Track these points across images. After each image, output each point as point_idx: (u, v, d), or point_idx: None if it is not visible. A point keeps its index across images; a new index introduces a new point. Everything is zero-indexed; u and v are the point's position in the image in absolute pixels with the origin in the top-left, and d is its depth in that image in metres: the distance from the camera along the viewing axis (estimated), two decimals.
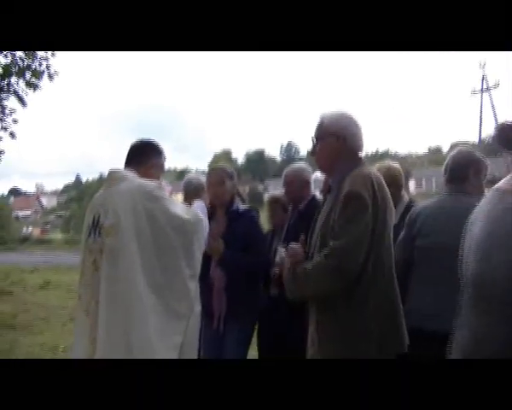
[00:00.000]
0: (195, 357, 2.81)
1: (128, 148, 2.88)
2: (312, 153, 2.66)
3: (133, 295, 2.47)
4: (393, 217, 2.55)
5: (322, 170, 2.71)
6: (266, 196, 4.31)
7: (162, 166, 2.91)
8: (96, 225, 2.60)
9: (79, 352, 2.60)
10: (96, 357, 2.45)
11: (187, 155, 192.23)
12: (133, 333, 2.45)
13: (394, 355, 2.40)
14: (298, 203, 3.86)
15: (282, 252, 2.59)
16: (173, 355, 2.55)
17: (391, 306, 2.44)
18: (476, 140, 33.76)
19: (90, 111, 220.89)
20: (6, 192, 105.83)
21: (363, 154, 2.60)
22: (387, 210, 2.44)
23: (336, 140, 2.54)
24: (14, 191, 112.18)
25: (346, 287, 2.31)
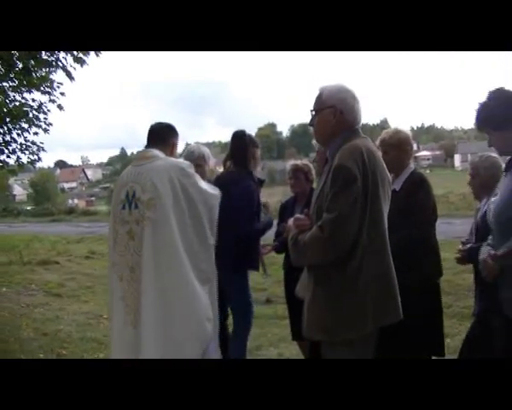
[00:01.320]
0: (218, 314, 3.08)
1: (149, 129, 3.15)
2: (311, 125, 2.71)
3: (176, 260, 2.79)
4: (388, 187, 2.57)
5: (320, 142, 2.82)
6: (288, 165, 4.36)
7: (177, 145, 3.22)
8: (131, 199, 2.85)
9: (117, 317, 2.91)
10: (142, 317, 2.74)
11: (231, 128, 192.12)
12: (177, 293, 2.80)
13: (388, 324, 2.47)
14: None
15: (289, 222, 2.67)
16: (208, 314, 2.89)
17: (386, 276, 2.49)
18: None
19: (134, 85, 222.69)
20: (52, 164, 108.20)
21: (359, 126, 2.63)
22: (380, 181, 2.47)
23: (333, 113, 2.58)
24: (60, 164, 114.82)
25: (341, 257, 2.38)
